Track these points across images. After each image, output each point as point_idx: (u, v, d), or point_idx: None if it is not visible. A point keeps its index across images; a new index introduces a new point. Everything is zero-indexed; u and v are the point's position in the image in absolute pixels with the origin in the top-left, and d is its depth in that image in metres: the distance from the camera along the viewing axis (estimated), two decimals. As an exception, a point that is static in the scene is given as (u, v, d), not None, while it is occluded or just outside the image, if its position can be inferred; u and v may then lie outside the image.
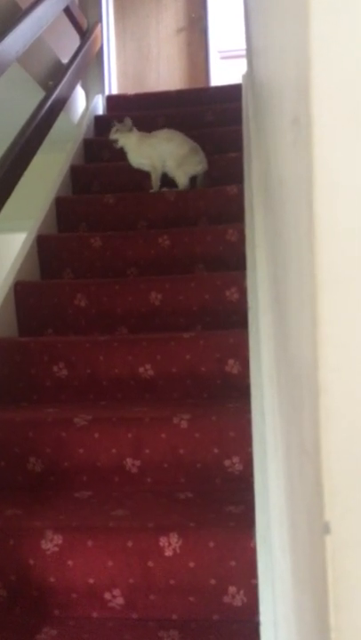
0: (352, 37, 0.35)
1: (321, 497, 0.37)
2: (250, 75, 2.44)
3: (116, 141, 2.70)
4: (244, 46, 3.03)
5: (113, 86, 4.06)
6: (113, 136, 2.71)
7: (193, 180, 2.69)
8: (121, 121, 2.73)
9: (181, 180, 2.64)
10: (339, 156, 0.34)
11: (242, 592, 1.31)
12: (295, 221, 0.51)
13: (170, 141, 2.64)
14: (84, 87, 3.57)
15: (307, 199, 0.40)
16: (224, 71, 4.37)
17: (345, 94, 0.35)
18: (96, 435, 1.59)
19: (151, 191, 2.70)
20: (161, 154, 2.65)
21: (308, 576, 0.48)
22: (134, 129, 2.72)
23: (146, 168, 2.71)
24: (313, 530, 0.43)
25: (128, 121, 2.72)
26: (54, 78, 2.81)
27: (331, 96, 0.35)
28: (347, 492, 0.36)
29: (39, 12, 2.37)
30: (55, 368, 1.88)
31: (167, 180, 2.72)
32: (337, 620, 0.36)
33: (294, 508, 0.63)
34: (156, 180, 2.69)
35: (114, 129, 2.72)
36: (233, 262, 2.28)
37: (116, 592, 1.34)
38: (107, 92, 3.79)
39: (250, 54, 2.41)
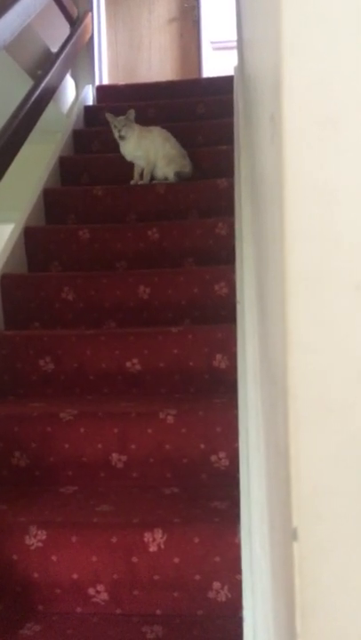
0: (323, 38, 0.34)
1: (289, 502, 0.36)
2: (241, 67, 2.43)
3: (124, 137, 2.65)
4: (236, 37, 3.00)
5: (103, 76, 4.02)
6: (122, 132, 2.62)
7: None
8: (119, 114, 2.69)
9: (171, 175, 2.66)
10: (307, 156, 0.33)
11: (226, 588, 1.31)
12: (272, 220, 0.50)
13: (166, 141, 2.66)
14: (73, 77, 3.53)
15: (278, 198, 0.39)
16: (216, 62, 4.34)
17: (315, 94, 0.34)
18: (82, 429, 1.58)
19: (132, 182, 2.68)
20: (156, 150, 2.64)
21: (282, 579, 0.48)
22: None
23: (140, 162, 2.69)
24: (285, 534, 0.43)
25: (132, 112, 2.67)
26: (43, 67, 2.77)
27: (301, 95, 0.34)
28: (314, 499, 0.35)
29: None
30: (41, 362, 1.87)
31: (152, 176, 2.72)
32: (303, 627, 0.35)
33: (272, 507, 0.62)
34: (148, 174, 2.68)
35: (120, 124, 2.63)
36: (223, 256, 2.27)
37: (101, 587, 1.33)
38: (97, 83, 3.75)
39: (241, 46, 2.39)
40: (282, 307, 0.37)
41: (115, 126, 2.65)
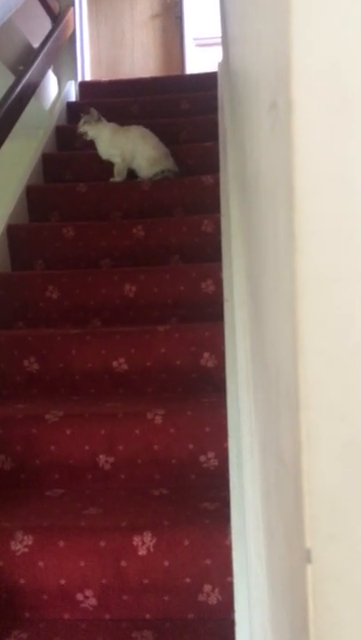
0: (334, 16, 0.31)
1: (301, 522, 0.34)
2: (226, 63, 2.40)
3: (85, 134, 2.63)
4: (219, 34, 2.98)
5: (86, 72, 3.97)
6: (81, 128, 2.64)
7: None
8: (87, 112, 2.67)
9: (155, 176, 2.62)
10: (321, 144, 0.31)
11: (217, 590, 1.29)
12: (272, 215, 0.48)
13: (145, 142, 2.61)
14: (56, 73, 3.48)
15: (286, 191, 0.37)
16: (200, 59, 4.31)
17: (327, 75, 0.31)
18: (68, 431, 1.55)
19: (112, 180, 2.64)
20: (134, 149, 2.60)
21: (286, 599, 0.46)
22: (103, 119, 2.66)
23: (114, 159, 2.65)
24: (293, 554, 0.40)
25: (94, 111, 2.65)
26: (25, 63, 2.72)
27: (312, 77, 0.31)
28: (330, 518, 0.33)
29: (8, -7, 2.28)
30: (26, 362, 1.83)
31: (131, 173, 2.68)
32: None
33: (271, 518, 0.60)
34: (122, 170, 2.64)
35: (82, 121, 2.66)
36: (209, 254, 2.25)
37: (89, 593, 1.31)
38: (79, 79, 3.70)
39: (226, 42, 2.36)
40: (291, 310, 0.35)
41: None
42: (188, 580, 1.29)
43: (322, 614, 0.31)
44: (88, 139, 2.66)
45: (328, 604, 0.31)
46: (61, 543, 1.30)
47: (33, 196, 2.60)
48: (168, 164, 2.63)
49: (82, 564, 1.30)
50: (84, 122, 2.64)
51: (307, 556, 0.32)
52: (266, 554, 0.67)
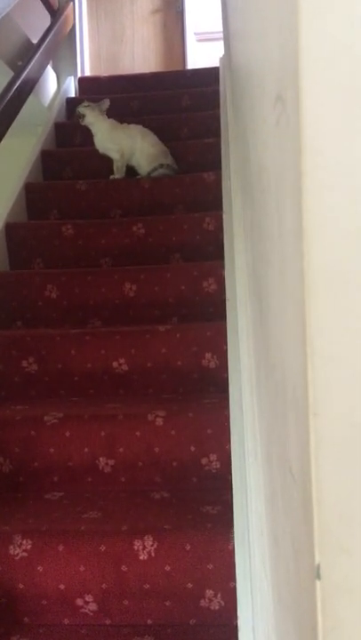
0: (344, 6, 0.29)
1: (310, 534, 0.32)
2: (227, 58, 2.37)
3: (83, 116, 2.61)
4: (221, 29, 2.95)
5: (85, 68, 3.93)
6: (81, 109, 2.61)
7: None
8: (97, 101, 2.65)
9: (153, 173, 2.59)
10: (331, 137, 0.28)
11: (219, 595, 1.27)
12: (278, 212, 0.45)
13: (144, 138, 2.59)
14: (55, 69, 3.45)
15: (292, 187, 0.34)
16: (201, 54, 4.27)
17: (337, 66, 0.28)
18: (67, 433, 1.53)
19: (111, 177, 2.62)
20: (133, 146, 2.58)
21: (294, 611, 0.43)
22: (105, 115, 2.64)
23: (112, 154, 2.62)
24: (300, 565, 0.38)
25: (105, 103, 2.63)
26: (23, 58, 2.69)
27: (322, 68, 0.29)
28: (341, 531, 0.30)
29: (6, -13, 2.25)
30: (24, 363, 1.81)
31: (130, 171, 2.66)
32: None
33: (276, 523, 0.57)
34: (121, 167, 2.61)
35: (85, 103, 2.64)
36: (211, 252, 2.22)
37: (89, 598, 1.28)
38: (79, 74, 3.67)
39: (227, 36, 2.33)
40: (299, 311, 0.32)
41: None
42: (189, 585, 1.27)
43: (332, 631, 0.29)
44: (83, 123, 2.63)
45: (339, 621, 0.29)
46: (61, 547, 1.28)
47: (32, 194, 2.57)
48: (167, 160, 2.60)
49: (82, 568, 1.28)
50: (87, 105, 2.62)
51: (316, 572, 0.30)
52: (270, 560, 0.64)
